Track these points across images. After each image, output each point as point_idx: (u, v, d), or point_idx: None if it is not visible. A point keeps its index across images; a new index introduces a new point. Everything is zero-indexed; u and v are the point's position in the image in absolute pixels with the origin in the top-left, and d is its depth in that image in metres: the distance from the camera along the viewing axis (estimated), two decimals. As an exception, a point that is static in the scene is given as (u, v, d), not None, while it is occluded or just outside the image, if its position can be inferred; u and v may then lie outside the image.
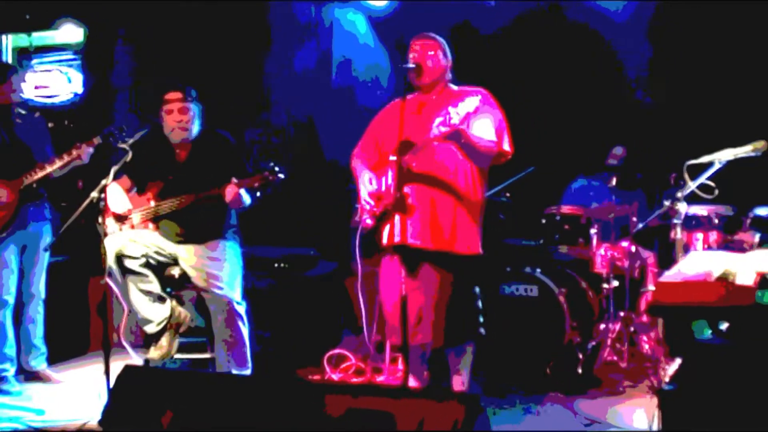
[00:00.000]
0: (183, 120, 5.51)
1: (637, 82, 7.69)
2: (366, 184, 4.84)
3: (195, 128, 5.57)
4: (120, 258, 5.31)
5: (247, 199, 5.46)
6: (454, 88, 4.97)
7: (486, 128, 4.74)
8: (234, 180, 5.30)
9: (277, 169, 5.25)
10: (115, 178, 5.26)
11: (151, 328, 5.45)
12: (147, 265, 5.40)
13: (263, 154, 7.91)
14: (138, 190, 5.65)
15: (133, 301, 5.39)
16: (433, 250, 4.75)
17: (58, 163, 5.77)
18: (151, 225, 5.53)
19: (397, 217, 4.51)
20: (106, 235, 5.27)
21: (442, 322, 4.78)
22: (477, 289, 4.95)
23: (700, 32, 7.24)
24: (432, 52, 4.89)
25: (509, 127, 4.87)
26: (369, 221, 4.83)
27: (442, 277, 4.78)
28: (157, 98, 5.63)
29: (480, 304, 4.96)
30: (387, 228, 4.78)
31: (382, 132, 5.03)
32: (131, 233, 5.47)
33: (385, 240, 4.80)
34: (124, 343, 5.50)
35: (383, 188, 4.79)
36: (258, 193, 5.36)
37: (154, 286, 5.44)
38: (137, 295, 5.39)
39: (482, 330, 4.97)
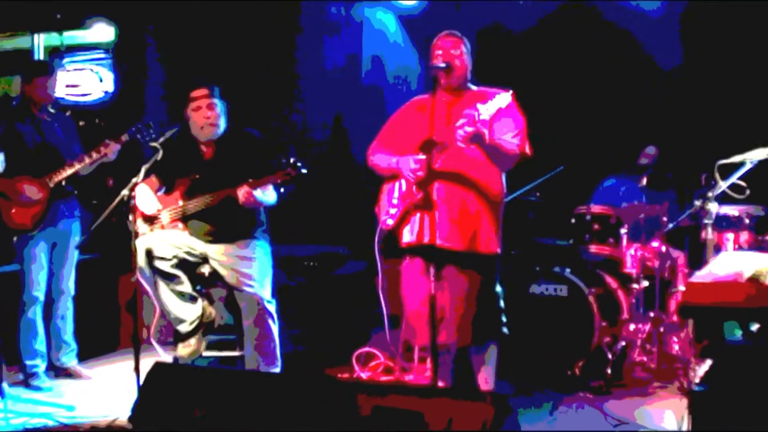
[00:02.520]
0: (212, 116, 5.49)
1: (668, 81, 7.63)
2: (410, 163, 4.70)
3: (222, 125, 5.56)
4: (151, 259, 5.35)
5: (269, 197, 5.48)
6: (474, 88, 4.94)
7: (509, 128, 4.74)
8: (249, 180, 5.31)
9: (299, 164, 5.26)
10: (146, 177, 5.27)
11: (184, 328, 5.50)
12: (178, 265, 5.44)
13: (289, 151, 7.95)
14: (166, 189, 5.67)
15: (165, 301, 5.44)
16: (461, 251, 4.73)
17: (86, 161, 5.82)
18: (180, 224, 5.55)
19: (426, 217, 4.46)
20: (136, 233, 5.29)
21: (468, 322, 4.78)
22: (499, 289, 4.94)
23: (732, 30, 7.19)
24: (458, 51, 4.85)
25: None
26: (390, 222, 4.82)
27: (468, 277, 4.77)
28: (183, 97, 5.63)
29: (502, 303, 4.96)
30: (408, 228, 4.77)
31: (401, 131, 5.00)
32: (162, 234, 5.50)
33: (407, 239, 4.79)
34: (154, 343, 5.53)
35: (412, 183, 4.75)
36: (282, 189, 5.36)
37: (186, 286, 5.48)
38: (169, 295, 5.44)
39: (505, 329, 4.96)
